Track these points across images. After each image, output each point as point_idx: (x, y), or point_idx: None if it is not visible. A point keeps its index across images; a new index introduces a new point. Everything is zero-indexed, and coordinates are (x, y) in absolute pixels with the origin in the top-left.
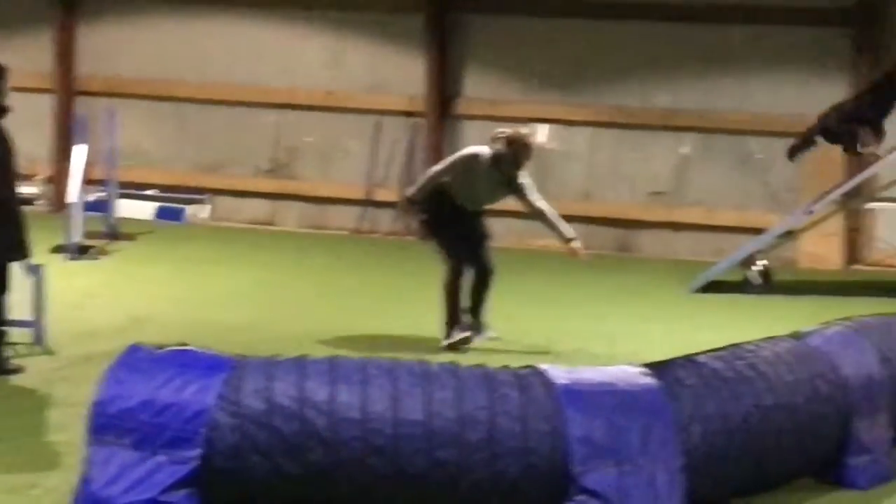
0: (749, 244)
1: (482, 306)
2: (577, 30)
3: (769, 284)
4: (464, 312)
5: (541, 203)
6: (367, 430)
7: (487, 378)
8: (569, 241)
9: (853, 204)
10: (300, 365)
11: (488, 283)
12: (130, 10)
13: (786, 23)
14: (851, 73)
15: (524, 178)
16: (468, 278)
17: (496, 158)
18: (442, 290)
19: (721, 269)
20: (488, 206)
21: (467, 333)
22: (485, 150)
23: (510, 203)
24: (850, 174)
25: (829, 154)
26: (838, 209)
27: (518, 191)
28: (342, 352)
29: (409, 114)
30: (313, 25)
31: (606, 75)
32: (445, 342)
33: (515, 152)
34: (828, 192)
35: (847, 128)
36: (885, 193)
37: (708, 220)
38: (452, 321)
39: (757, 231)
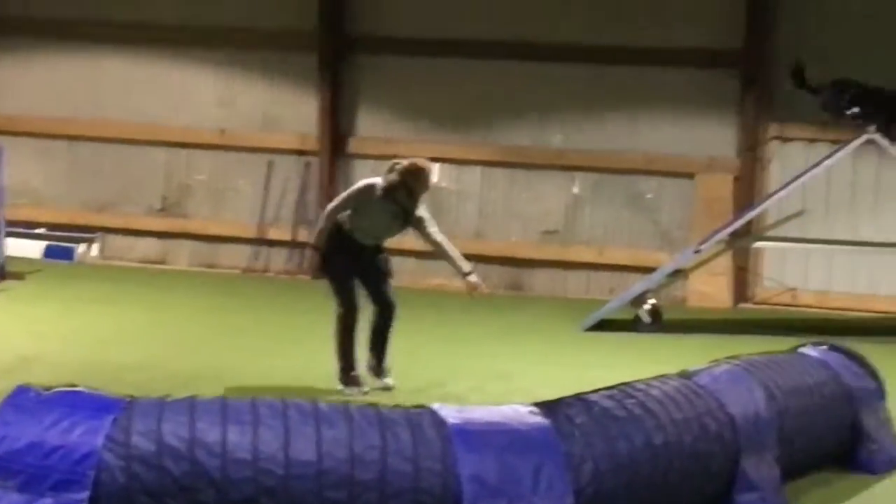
0: (639, 283)
1: (385, 348)
2: (470, 70)
3: (659, 323)
4: (372, 361)
5: (439, 236)
6: (258, 470)
7: (379, 417)
8: (466, 275)
9: (741, 243)
10: (190, 405)
11: (389, 321)
12: (20, 47)
13: (676, 64)
14: (740, 113)
15: (422, 210)
16: (368, 317)
17: (391, 189)
18: (334, 331)
19: (612, 307)
20: (386, 240)
21: (365, 389)
22: (379, 181)
23: (404, 241)
24: (738, 213)
25: (717, 193)
26: (727, 248)
27: (416, 223)
28: (233, 392)
29: (301, 153)
30: (206, 64)
31: (499, 115)
32: (340, 387)
33: (410, 182)
34: (716, 232)
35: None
36: (772, 232)
37: (599, 258)
38: (346, 364)
39: (647, 270)
